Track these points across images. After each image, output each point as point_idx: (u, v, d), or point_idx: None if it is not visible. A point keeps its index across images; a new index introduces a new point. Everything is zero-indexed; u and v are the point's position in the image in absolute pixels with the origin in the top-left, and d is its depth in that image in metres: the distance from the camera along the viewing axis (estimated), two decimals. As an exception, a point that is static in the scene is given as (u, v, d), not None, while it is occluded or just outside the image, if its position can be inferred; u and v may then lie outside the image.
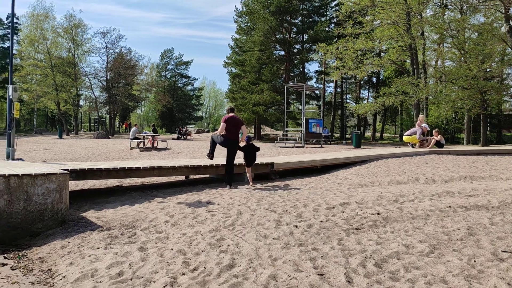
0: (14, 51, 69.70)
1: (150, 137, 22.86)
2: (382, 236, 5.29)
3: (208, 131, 57.00)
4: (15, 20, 70.58)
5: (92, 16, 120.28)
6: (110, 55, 52.21)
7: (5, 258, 5.27)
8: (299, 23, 41.74)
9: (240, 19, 44.06)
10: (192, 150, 20.75)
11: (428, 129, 18.94)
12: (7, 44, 72.22)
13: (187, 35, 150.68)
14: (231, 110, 10.01)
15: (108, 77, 51.92)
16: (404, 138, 19.59)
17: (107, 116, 57.90)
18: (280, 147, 24.42)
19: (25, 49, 52.27)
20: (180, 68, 71.57)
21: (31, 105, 55.83)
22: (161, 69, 71.47)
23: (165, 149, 21.73)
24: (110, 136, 43.92)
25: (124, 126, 62.39)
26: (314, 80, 48.99)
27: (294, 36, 41.94)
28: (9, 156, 9.77)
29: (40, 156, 19.41)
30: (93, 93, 53.20)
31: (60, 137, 43.09)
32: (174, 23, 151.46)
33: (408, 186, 9.48)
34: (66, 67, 48.09)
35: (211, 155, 9.77)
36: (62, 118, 52.21)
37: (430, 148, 17.75)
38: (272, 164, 11.02)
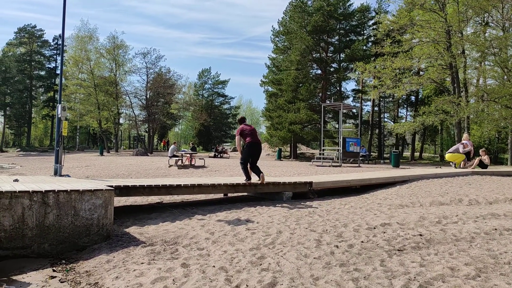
0: (58, 71, 72.86)
1: (188, 155, 23.23)
2: (425, 258, 5.19)
3: (244, 149, 57.31)
4: (60, 42, 73.85)
5: (133, 37, 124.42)
6: (150, 75, 53.78)
7: (53, 270, 5.47)
8: (336, 42, 41.81)
9: (277, 39, 44.55)
10: (230, 168, 20.93)
11: (471, 147, 18.39)
12: (53, 64, 75.47)
13: (224, 54, 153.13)
14: (243, 119, 10.82)
15: (148, 96, 53.37)
16: (447, 156, 19.12)
17: (146, 134, 59.24)
18: (317, 166, 24.30)
19: (70, 69, 54.45)
20: (217, 87, 72.70)
21: (74, 123, 57.81)
22: (199, 88, 72.80)
23: (203, 167, 22.01)
24: (148, 154, 44.86)
25: (162, 144, 63.63)
26: (351, 98, 48.73)
27: (331, 55, 42.00)
28: (57, 172, 10.18)
29: (83, 173, 20.03)
30: (133, 112, 54.69)
31: (101, 154, 44.37)
32: (212, 43, 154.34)
33: (450, 207, 9.25)
34: (108, 87, 49.79)
35: (248, 178, 10.22)
36: (103, 136, 53.80)
37: (473, 168, 17.26)
38: (310, 183, 11.00)
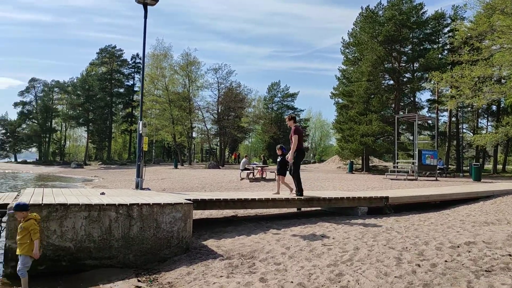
0: (136, 88, 76.88)
1: (259, 168, 23.45)
2: (518, 281, 4.85)
3: (314, 162, 56.92)
4: (138, 60, 77.91)
5: (205, 54, 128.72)
6: (221, 90, 55.12)
7: (138, 281, 5.74)
8: (409, 51, 40.52)
9: (347, 50, 44.02)
10: (301, 182, 20.82)
11: None
12: (131, 82, 79.71)
13: (293, 67, 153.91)
14: (295, 118, 10.38)
15: (219, 110, 54.68)
16: None
17: (218, 147, 60.61)
18: (391, 179, 23.57)
19: (146, 86, 57.09)
20: (287, 100, 73.04)
21: (150, 137, 60.45)
22: (268, 101, 73.53)
23: (274, 180, 22.09)
24: (220, 167, 45.81)
25: (233, 157, 64.76)
26: (426, 109, 46.87)
27: (404, 65, 40.76)
28: (138, 186, 10.69)
29: (159, 185, 20.86)
30: (205, 126, 56.22)
31: (176, 167, 45.95)
32: (281, 57, 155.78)
33: (542, 225, 8.58)
34: (181, 102, 51.67)
35: (301, 192, 9.98)
36: (178, 149, 55.77)
37: None
38: (386, 198, 10.69)
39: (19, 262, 5.40)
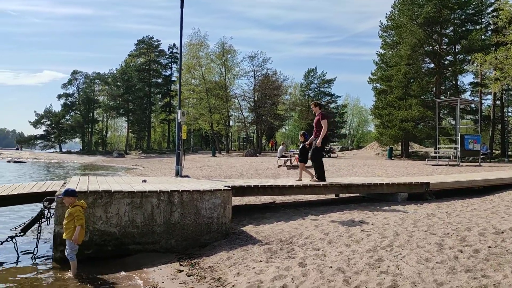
0: (173, 78, 77.97)
1: (296, 155, 23.41)
2: None
3: (352, 149, 56.28)
4: (175, 50, 78.87)
5: (241, 42, 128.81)
6: (257, 77, 55.15)
7: (180, 265, 5.90)
8: (451, 33, 39.19)
9: (385, 34, 43.03)
10: (339, 169, 20.71)
11: None
12: (168, 72, 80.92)
13: (330, 53, 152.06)
14: (321, 105, 10.40)
15: (256, 98, 54.78)
16: None
17: (254, 135, 60.84)
18: (432, 165, 23.05)
19: (184, 76, 57.79)
20: (323, 86, 72.24)
21: (188, 126, 61.24)
22: (305, 88, 72.98)
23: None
24: (257, 154, 46.02)
25: (270, 144, 64.86)
26: (469, 93, 45.40)
27: (445, 47, 39.50)
28: (178, 173, 10.92)
29: (198, 173, 21.20)
30: (242, 114, 56.56)
31: (213, 155, 46.50)
32: (317, 42, 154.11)
33: None
34: (218, 91, 52.09)
35: (322, 178, 9.96)
36: (215, 138, 56.37)
37: None
38: (427, 183, 10.48)
39: (66, 246, 5.67)
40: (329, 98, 72.54)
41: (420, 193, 10.44)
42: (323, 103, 71.22)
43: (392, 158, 35.30)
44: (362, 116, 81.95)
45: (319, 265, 5.11)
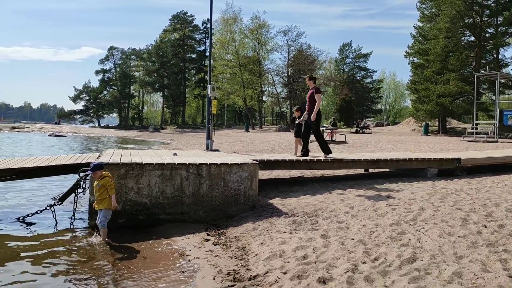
0: (207, 53, 78.12)
1: (329, 131, 23.33)
2: None
3: (388, 124, 55.38)
4: (208, 25, 78.89)
5: (274, 16, 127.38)
6: (291, 52, 54.69)
7: (208, 234, 6.13)
8: (492, 4, 37.43)
9: (423, 6, 41.57)
10: (371, 144, 20.53)
11: None
12: (202, 47, 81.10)
13: (366, 26, 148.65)
14: (315, 79, 10.18)
15: (289, 73, 54.46)
16: None
17: (288, 110, 60.67)
18: (469, 141, 22.52)
19: (217, 51, 57.90)
20: (359, 60, 70.80)
21: (222, 102, 61.65)
22: (340, 62, 71.76)
23: (344, 142, 21.95)
24: (290, 130, 45.95)
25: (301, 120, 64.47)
26: (511, 67, 43.57)
27: (486, 19, 37.84)
28: (208, 147, 11.15)
29: (230, 148, 21.48)
30: (275, 89, 56.43)
31: (247, 130, 46.80)
32: (354, 15, 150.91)
33: None
34: (252, 66, 52.01)
35: (329, 152, 9.82)
36: (248, 113, 56.56)
37: None
38: (458, 159, 10.31)
39: (100, 215, 5.99)
40: (365, 72, 71.18)
41: (451, 169, 10.30)
42: (358, 78, 70.09)
43: (428, 134, 34.55)
44: (399, 91, 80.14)
45: (341, 237, 5.21)
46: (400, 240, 4.99)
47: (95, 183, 6.04)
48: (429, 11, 40.81)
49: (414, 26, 42.61)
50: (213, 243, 5.70)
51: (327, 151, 9.82)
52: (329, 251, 4.69)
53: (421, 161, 9.94)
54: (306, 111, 9.76)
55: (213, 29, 68.38)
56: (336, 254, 4.59)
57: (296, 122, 10.53)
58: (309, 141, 10.11)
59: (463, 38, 37.97)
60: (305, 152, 9.78)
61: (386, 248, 4.71)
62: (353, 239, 5.09)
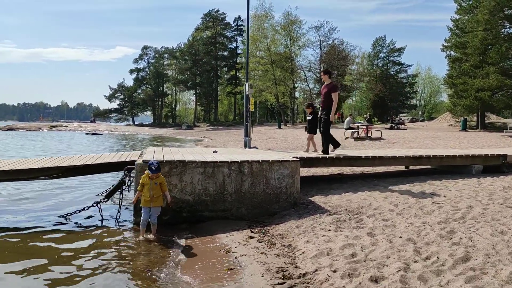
0: (239, 51, 78.42)
1: (364, 127, 23.03)
2: None
3: (423, 120, 54.23)
4: (240, 23, 79.03)
5: (306, 11, 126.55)
6: (323, 48, 54.22)
7: (251, 232, 6.15)
8: (535, -7, 36.07)
9: (460, -3, 40.40)
10: (408, 140, 20.15)
11: None
12: (234, 45, 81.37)
13: (400, 19, 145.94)
14: (331, 73, 9.81)
15: (322, 69, 53.93)
16: None
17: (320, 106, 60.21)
18: (510, 137, 21.79)
19: (249, 48, 57.82)
20: (393, 55, 69.41)
21: (254, 99, 61.59)
22: (373, 57, 70.59)
23: (379, 138, 21.62)
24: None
25: (336, 116, 63.86)
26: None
27: (528, 9, 36.49)
28: (246, 145, 11.19)
29: (265, 145, 21.47)
30: (308, 85, 56.00)
31: (279, 127, 46.72)
32: (387, 9, 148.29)
33: None
34: (284, 62, 51.79)
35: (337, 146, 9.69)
36: (281, 110, 56.40)
37: None
38: (504, 156, 9.99)
39: (152, 212, 6.09)
40: (399, 67, 69.75)
41: (497, 166, 9.99)
42: (392, 73, 68.77)
43: (467, 130, 33.66)
44: (434, 85, 78.09)
45: (388, 235, 5.14)
46: (451, 239, 4.88)
47: (152, 181, 6.10)
48: (467, 3, 39.61)
49: (451, 19, 41.49)
50: (257, 240, 5.71)
51: (335, 144, 9.68)
52: (378, 250, 4.63)
53: (465, 157, 9.69)
54: (321, 108, 9.52)
55: (245, 26, 68.73)
56: (386, 252, 4.52)
57: (309, 118, 10.42)
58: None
59: (503, 30, 36.67)
60: (325, 150, 9.52)
61: (437, 247, 4.61)
62: (401, 237, 5.01)
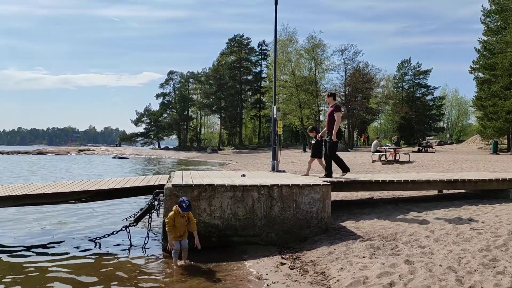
0: (263, 75, 79.00)
1: (392, 150, 22.65)
2: None
3: (452, 143, 53.16)
4: (264, 47, 79.85)
5: (330, 35, 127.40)
6: (348, 71, 54.08)
7: (282, 258, 6.00)
8: None
9: (488, 19, 39.92)
10: (438, 164, 19.68)
11: None
12: (258, 69, 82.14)
13: (425, 42, 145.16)
14: (335, 95, 9.75)
15: (346, 92, 53.78)
16: None
17: (346, 129, 59.77)
18: (545, 160, 21.08)
19: (273, 72, 58.13)
20: (418, 77, 68.74)
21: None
22: (398, 80, 70.04)
23: (408, 162, 21.18)
24: (349, 149, 45.18)
25: (362, 139, 63.29)
26: None
27: (559, 30, 35.76)
28: (274, 168, 11.08)
29: (290, 168, 21.30)
30: (333, 108, 55.62)
31: (304, 150, 46.42)
32: (411, 32, 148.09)
33: None
34: (308, 85, 51.83)
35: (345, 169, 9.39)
36: (305, 133, 56.14)
37: None
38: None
39: (184, 243, 5.98)
40: (425, 90, 68.92)
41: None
42: (418, 95, 68.00)
43: (498, 153, 32.75)
44: (462, 108, 76.78)
45: (427, 263, 4.92)
46: (494, 267, 4.64)
47: (183, 219, 5.93)
48: (495, 24, 39.14)
49: (478, 40, 40.96)
50: (289, 267, 5.55)
51: (344, 169, 9.41)
52: (417, 278, 4.42)
53: (502, 181, 9.35)
54: (326, 130, 9.42)
55: (269, 50, 69.30)
56: (426, 281, 4.31)
57: (313, 142, 10.35)
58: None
59: (533, 51, 36.02)
60: (329, 173, 9.33)
61: (480, 276, 4.38)
62: (441, 265, 4.79)
